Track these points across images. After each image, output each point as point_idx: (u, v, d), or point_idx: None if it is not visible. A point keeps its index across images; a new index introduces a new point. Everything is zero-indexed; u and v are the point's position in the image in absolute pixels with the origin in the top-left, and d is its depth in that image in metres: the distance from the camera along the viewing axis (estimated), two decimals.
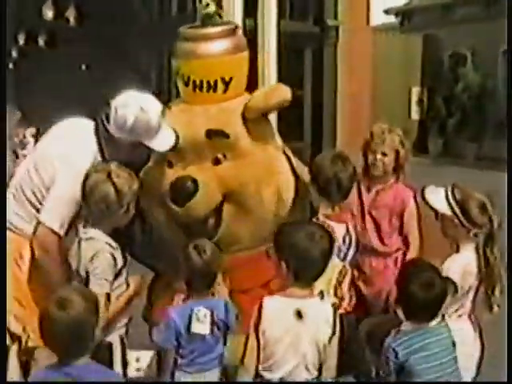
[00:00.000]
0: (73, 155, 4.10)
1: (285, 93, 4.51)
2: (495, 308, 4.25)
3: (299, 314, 3.67)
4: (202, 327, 3.93)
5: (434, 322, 3.78)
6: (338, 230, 4.47)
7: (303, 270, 3.73)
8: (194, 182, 4.33)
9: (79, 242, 4.01)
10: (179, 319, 3.94)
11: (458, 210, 4.17)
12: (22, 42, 13.18)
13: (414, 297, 3.71)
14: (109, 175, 3.94)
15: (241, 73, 4.65)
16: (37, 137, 7.96)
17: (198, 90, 4.50)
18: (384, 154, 4.93)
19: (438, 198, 4.25)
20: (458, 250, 4.25)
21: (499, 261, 4.24)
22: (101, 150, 4.23)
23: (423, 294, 3.69)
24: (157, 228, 4.60)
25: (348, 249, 4.57)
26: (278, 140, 4.91)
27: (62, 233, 4.11)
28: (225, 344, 4.07)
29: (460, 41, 23.45)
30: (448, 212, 4.19)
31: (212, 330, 3.97)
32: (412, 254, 4.86)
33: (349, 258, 4.60)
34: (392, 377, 3.72)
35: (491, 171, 19.13)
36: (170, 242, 4.55)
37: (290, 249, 3.76)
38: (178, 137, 4.35)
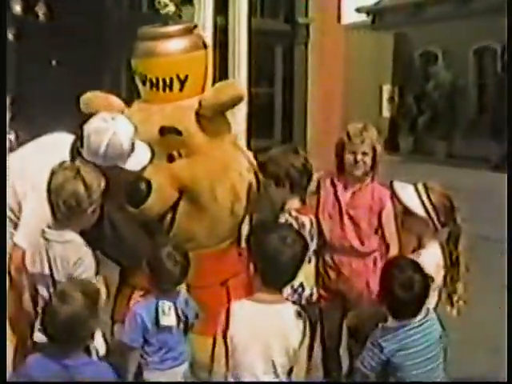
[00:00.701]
0: (46, 175, 3.99)
1: (236, 90, 4.51)
2: (460, 304, 4.26)
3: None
4: (168, 319, 3.94)
5: (419, 317, 3.76)
6: (306, 222, 4.56)
7: (271, 275, 3.59)
8: (148, 183, 4.33)
9: (47, 244, 3.93)
10: (146, 315, 3.93)
11: (432, 212, 4.17)
12: None
13: (396, 297, 3.69)
14: (77, 172, 3.89)
15: (197, 71, 4.62)
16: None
17: (154, 89, 4.51)
18: (364, 154, 4.91)
19: (410, 196, 4.23)
20: (421, 246, 4.25)
21: (463, 258, 4.25)
22: None
23: (405, 294, 3.67)
24: (117, 225, 4.61)
25: (312, 239, 4.59)
26: (236, 137, 4.90)
27: None
28: (185, 334, 4.08)
29: (431, 39, 23.62)
30: (421, 212, 4.18)
31: (178, 323, 3.98)
32: (392, 253, 4.80)
33: (312, 248, 4.61)
34: (375, 370, 3.71)
35: (462, 169, 19.32)
36: (129, 238, 4.56)
37: (259, 250, 3.64)
38: (153, 152, 4.32)
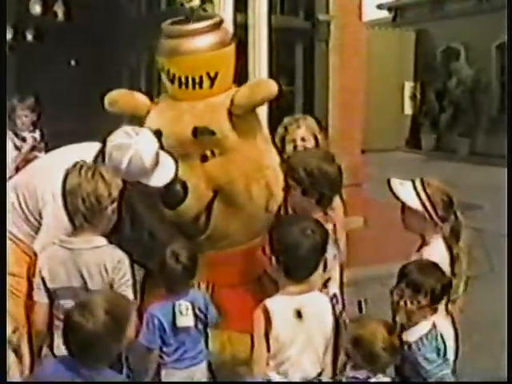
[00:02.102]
0: None
1: (270, 87, 4.45)
2: (459, 304, 4.25)
3: (299, 314, 3.64)
4: (186, 320, 3.95)
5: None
6: (330, 231, 4.26)
7: (293, 266, 3.69)
8: (184, 185, 4.30)
9: (71, 254, 3.85)
10: (162, 316, 3.95)
11: (429, 205, 4.17)
12: (9, 36, 13.05)
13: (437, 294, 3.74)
14: (95, 170, 3.87)
15: (227, 67, 4.58)
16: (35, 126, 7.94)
17: (183, 87, 4.46)
18: (303, 140, 4.85)
19: (407, 191, 4.23)
20: (425, 243, 4.25)
21: (465, 255, 4.25)
22: None
23: (441, 291, 3.76)
24: (148, 226, 4.59)
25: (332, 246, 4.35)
26: (267, 133, 4.87)
27: None
28: (206, 336, 4.09)
29: (453, 35, 23.49)
30: (419, 207, 4.18)
31: (196, 323, 3.99)
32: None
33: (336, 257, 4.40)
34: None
35: (484, 166, 19.23)
36: (160, 240, 4.54)
37: (280, 243, 3.72)
38: (177, 164, 4.29)
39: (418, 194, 4.21)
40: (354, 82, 12.56)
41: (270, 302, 3.66)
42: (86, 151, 4.32)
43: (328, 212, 4.44)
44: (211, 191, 4.41)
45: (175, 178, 4.29)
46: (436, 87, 24.16)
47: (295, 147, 4.85)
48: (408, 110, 25.56)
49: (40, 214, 4.20)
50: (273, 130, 5.18)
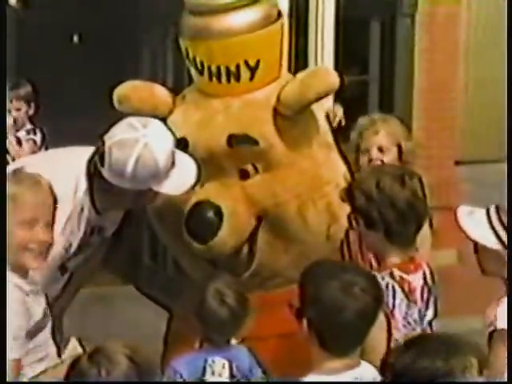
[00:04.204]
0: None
1: (328, 78, 4.45)
2: None
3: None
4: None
5: None
6: (416, 283, 4.14)
7: (331, 336, 3.47)
8: (218, 210, 4.30)
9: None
10: (187, 373, 3.95)
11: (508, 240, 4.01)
12: None
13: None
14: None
15: (272, 53, 4.55)
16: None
17: (215, 80, 4.46)
18: (380, 150, 4.81)
19: (477, 224, 4.07)
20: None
21: None
22: (92, 201, 4.21)
23: None
24: (177, 261, 4.59)
25: (427, 305, 4.18)
26: (328, 137, 4.84)
27: None
28: None
29: None
30: (494, 244, 4.04)
31: None
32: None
33: (427, 318, 4.20)
34: None
35: None
36: (191, 277, 4.54)
37: (314, 302, 3.51)
38: (199, 168, 4.27)
39: (492, 227, 4.06)
40: (448, 70, 12.50)
41: None
42: (68, 160, 4.38)
43: (412, 254, 4.23)
44: (254, 217, 4.46)
45: (205, 202, 4.31)
46: None
47: (370, 161, 4.80)
48: None
49: None
50: (338, 132, 5.15)
